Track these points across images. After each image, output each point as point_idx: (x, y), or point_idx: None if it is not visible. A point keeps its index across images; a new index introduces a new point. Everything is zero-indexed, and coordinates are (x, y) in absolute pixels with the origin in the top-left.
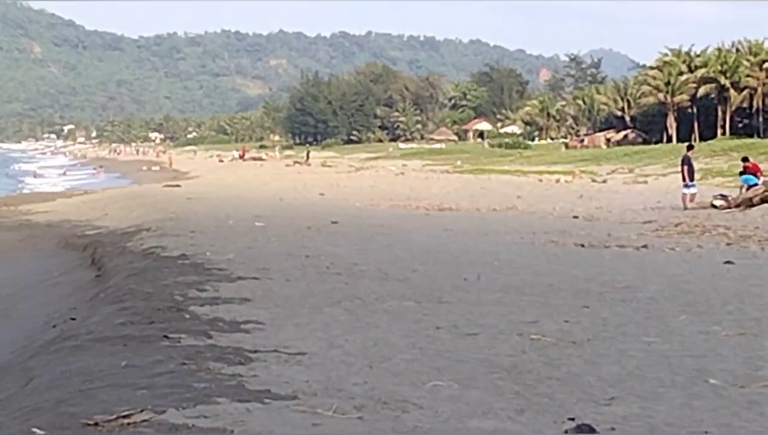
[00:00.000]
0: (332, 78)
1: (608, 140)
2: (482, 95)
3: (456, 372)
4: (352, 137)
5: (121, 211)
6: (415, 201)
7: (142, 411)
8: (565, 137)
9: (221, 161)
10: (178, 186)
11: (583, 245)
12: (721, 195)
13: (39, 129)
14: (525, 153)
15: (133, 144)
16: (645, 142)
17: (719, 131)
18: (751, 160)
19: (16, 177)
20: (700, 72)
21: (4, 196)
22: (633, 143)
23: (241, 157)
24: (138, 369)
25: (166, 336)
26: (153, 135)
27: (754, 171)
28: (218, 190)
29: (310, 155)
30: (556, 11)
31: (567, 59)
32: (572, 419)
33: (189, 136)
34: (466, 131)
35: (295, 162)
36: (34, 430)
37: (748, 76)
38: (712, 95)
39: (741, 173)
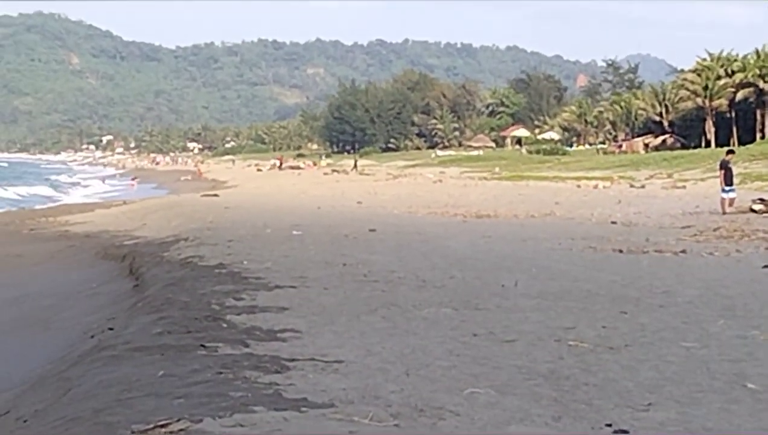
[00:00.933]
0: (369, 86)
1: (646, 145)
2: (520, 101)
3: (493, 379)
4: (389, 145)
5: (159, 221)
6: (453, 208)
7: (179, 420)
8: (603, 143)
9: (259, 170)
10: (216, 195)
11: (621, 251)
12: (761, 199)
13: (78, 140)
14: (563, 159)
15: (172, 154)
16: (683, 146)
17: (758, 135)
18: None
19: (56, 188)
20: (738, 76)
21: (43, 208)
22: (671, 148)
23: (279, 166)
24: (175, 378)
25: (203, 345)
26: (191, 145)
27: None
28: (256, 199)
29: (358, 164)
30: (593, 16)
31: (604, 65)
32: (609, 425)
33: (227, 145)
34: (503, 138)
35: (333, 170)
36: None
37: None
38: (751, 99)
39: None
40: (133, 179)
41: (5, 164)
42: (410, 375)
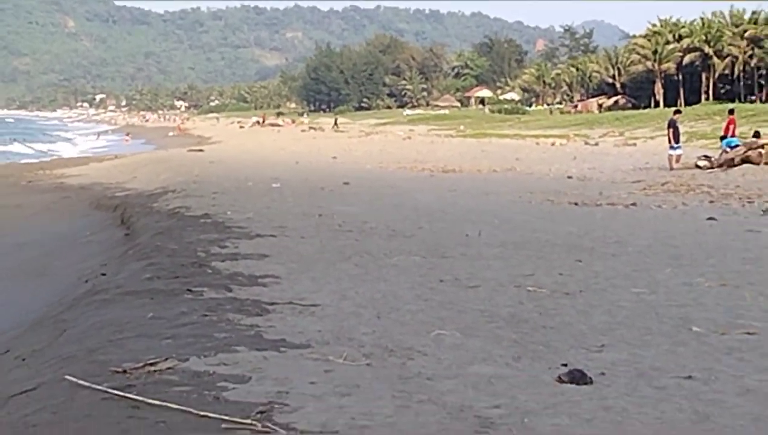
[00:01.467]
0: (344, 49)
1: (600, 106)
2: (483, 64)
3: (458, 322)
4: (362, 104)
5: (149, 175)
6: (421, 163)
7: (166, 359)
8: (560, 103)
9: (242, 127)
10: (201, 150)
11: (576, 204)
12: (705, 156)
13: (72, 98)
14: (523, 118)
15: (160, 111)
16: (634, 107)
17: (703, 97)
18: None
19: (52, 142)
20: (685, 41)
21: (40, 161)
22: (623, 108)
23: (262, 123)
24: (163, 320)
25: (189, 289)
26: (178, 103)
27: (731, 125)
28: (238, 155)
29: (338, 122)
30: None
31: (561, 30)
32: (565, 365)
33: (212, 104)
34: (468, 98)
35: (311, 127)
36: (67, 377)
37: (730, 45)
38: (697, 63)
39: (722, 137)
40: (126, 135)
41: (12, 120)
42: (381, 318)
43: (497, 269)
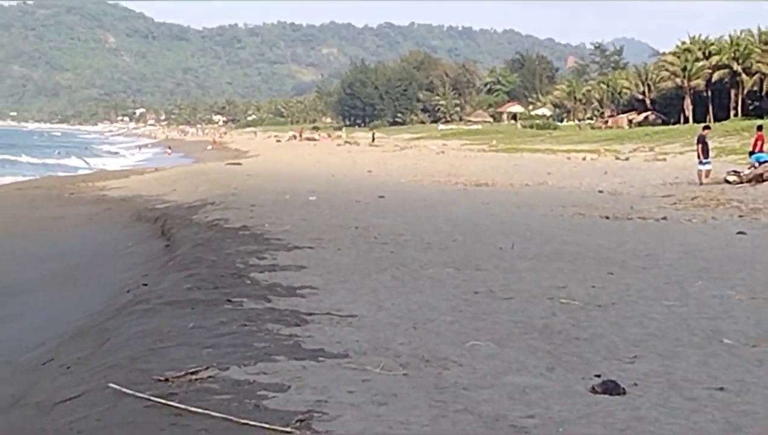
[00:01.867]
0: (379, 65)
1: (630, 121)
2: (515, 80)
3: (492, 333)
4: (396, 119)
5: (188, 187)
6: (455, 177)
7: (207, 368)
8: (591, 118)
9: (278, 141)
10: (239, 164)
11: (607, 217)
12: (734, 171)
13: (113, 112)
14: (554, 133)
15: (198, 126)
16: (664, 123)
17: (732, 113)
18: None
19: (94, 156)
20: (714, 59)
21: (83, 174)
22: (653, 124)
23: (299, 137)
24: (204, 330)
25: (229, 300)
26: (216, 117)
27: (759, 141)
28: (275, 168)
29: (376, 136)
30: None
31: (592, 47)
32: (598, 376)
33: (249, 118)
34: (500, 113)
35: (346, 142)
36: (111, 385)
37: (758, 62)
38: (726, 80)
39: (751, 153)
40: (168, 148)
41: (58, 133)
42: (417, 329)
43: (530, 281)
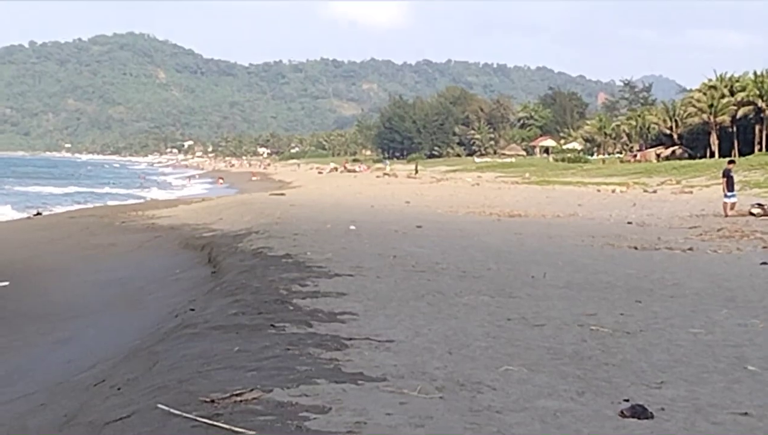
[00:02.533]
0: (416, 100)
1: (658, 155)
2: (547, 115)
3: (525, 358)
4: (433, 152)
5: (233, 216)
6: (489, 208)
7: (252, 390)
8: (620, 152)
9: (320, 173)
10: (282, 194)
11: (636, 248)
12: (759, 204)
13: (162, 144)
14: (585, 166)
15: (244, 157)
16: (690, 157)
17: (756, 148)
18: None
19: (145, 186)
20: (739, 95)
21: (134, 203)
22: (680, 158)
23: (344, 168)
24: (248, 353)
25: (272, 325)
26: (261, 150)
27: None
28: (317, 198)
29: (418, 169)
30: (613, 41)
31: (621, 84)
32: (627, 400)
33: (292, 150)
34: (533, 147)
35: (385, 174)
36: (159, 405)
37: None
38: (750, 116)
39: None
40: (219, 178)
41: (117, 165)
42: (452, 354)
43: (561, 309)
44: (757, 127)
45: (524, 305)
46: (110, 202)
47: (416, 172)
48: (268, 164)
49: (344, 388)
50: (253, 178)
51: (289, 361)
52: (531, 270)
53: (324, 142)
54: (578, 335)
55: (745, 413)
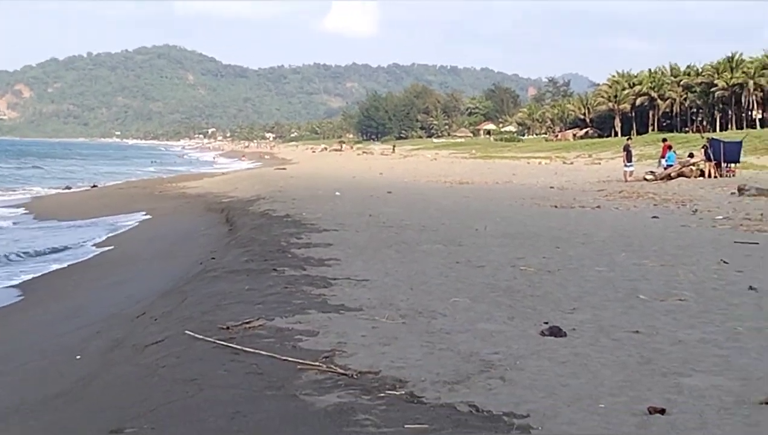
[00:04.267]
0: (388, 95)
1: (574, 135)
2: (489, 105)
3: (469, 292)
4: (401, 135)
5: (246, 186)
6: (444, 178)
7: (258, 319)
8: (546, 133)
9: (313, 152)
10: (284, 169)
11: (556, 206)
12: (651, 172)
13: (191, 131)
14: (518, 145)
15: (255, 141)
16: (599, 136)
17: (650, 128)
18: (667, 142)
19: (179, 164)
20: (637, 88)
21: (170, 177)
22: (591, 137)
23: (339, 148)
24: (256, 291)
25: (275, 269)
26: (267, 135)
27: (666, 149)
28: (311, 172)
29: (395, 148)
30: (541, 46)
31: (546, 80)
32: (546, 323)
33: (292, 135)
34: (478, 130)
35: (363, 152)
36: (187, 332)
37: (669, 90)
38: (646, 104)
39: (660, 156)
40: (243, 156)
41: (163, 149)
42: (413, 289)
43: (498, 254)
44: (650, 113)
45: (469, 251)
46: (152, 176)
47: (393, 150)
48: (273, 146)
49: (330, 317)
50: (265, 157)
51: (287, 296)
52: (475, 224)
53: (317, 129)
54: (510, 274)
55: (637, 331)
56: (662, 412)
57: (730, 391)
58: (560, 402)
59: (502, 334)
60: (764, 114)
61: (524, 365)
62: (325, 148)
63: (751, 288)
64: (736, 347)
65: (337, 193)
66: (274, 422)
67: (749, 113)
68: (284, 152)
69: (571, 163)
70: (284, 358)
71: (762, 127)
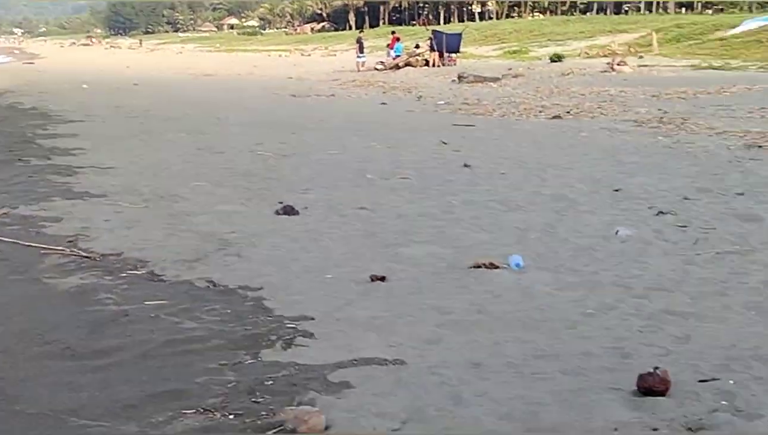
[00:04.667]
0: None
1: (312, 29)
2: (233, 0)
3: (210, 177)
4: (148, 30)
5: None
6: (188, 70)
7: (3, 207)
8: (286, 28)
9: (61, 47)
10: (32, 63)
11: (294, 96)
12: (381, 62)
13: None
14: (260, 39)
15: (2, 36)
16: (336, 30)
17: (381, 22)
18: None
19: None
20: None
21: None
22: (328, 31)
23: (89, 43)
24: (1, 181)
25: (20, 159)
26: (15, 30)
27: (395, 41)
28: (59, 67)
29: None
30: None
31: None
32: (281, 203)
33: (40, 30)
34: (222, 25)
35: (111, 46)
36: None
37: None
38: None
39: (388, 46)
40: None
41: None
42: (156, 175)
43: (238, 141)
44: (382, 8)
45: (211, 139)
46: None
47: (141, 44)
48: (22, 42)
49: (74, 203)
50: (15, 52)
51: (32, 185)
52: (218, 114)
53: (65, 24)
54: (249, 159)
55: (363, 208)
56: (383, 279)
57: (443, 258)
58: (291, 275)
59: (240, 214)
60: (483, 8)
61: (259, 242)
62: (74, 43)
63: (465, 165)
64: (450, 219)
65: (85, 86)
66: (17, 305)
67: (470, 7)
68: (33, 47)
69: (309, 56)
70: (27, 243)
71: (481, 20)
